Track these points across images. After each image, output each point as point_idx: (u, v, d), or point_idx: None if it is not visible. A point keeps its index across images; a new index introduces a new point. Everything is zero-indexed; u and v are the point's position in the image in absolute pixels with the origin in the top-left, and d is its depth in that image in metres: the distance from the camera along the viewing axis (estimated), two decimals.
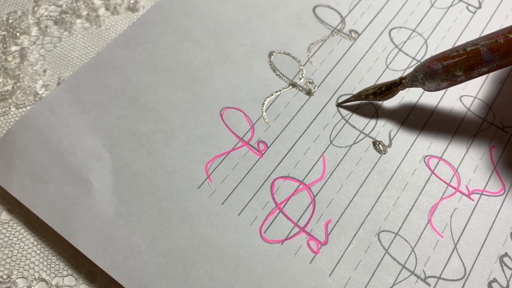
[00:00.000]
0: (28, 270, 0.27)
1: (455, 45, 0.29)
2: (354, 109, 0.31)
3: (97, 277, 0.27)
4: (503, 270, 0.26)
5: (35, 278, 0.26)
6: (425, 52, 0.34)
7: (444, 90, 0.32)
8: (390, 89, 0.30)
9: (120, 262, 0.26)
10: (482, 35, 0.28)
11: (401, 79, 0.30)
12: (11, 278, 0.26)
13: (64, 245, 0.27)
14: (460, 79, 0.28)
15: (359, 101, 0.32)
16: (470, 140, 0.30)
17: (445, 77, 0.28)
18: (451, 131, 0.31)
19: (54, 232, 0.27)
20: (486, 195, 0.29)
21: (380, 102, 0.32)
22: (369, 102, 0.32)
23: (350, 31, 0.35)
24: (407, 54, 0.34)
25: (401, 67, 0.33)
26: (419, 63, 0.30)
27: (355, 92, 0.32)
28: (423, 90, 0.31)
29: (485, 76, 0.33)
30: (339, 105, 0.31)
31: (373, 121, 0.31)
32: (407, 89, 0.32)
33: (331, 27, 0.35)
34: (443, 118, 0.31)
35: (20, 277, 0.26)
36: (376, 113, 0.31)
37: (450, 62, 0.27)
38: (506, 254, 0.27)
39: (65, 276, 0.27)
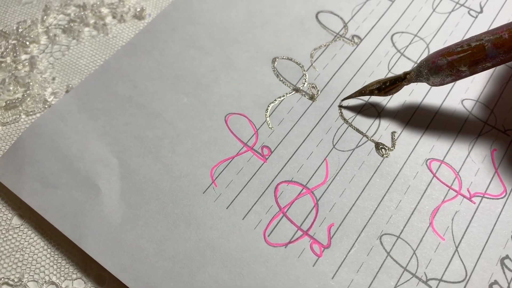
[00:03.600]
0: (38, 274, 0.27)
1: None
2: (357, 113, 0.32)
3: (106, 280, 0.27)
4: (504, 273, 0.26)
5: (45, 282, 0.27)
6: None
7: (446, 93, 0.33)
8: (394, 84, 0.30)
9: (128, 265, 0.26)
10: (486, 31, 0.28)
11: (405, 74, 0.30)
12: (22, 281, 0.27)
13: (73, 249, 0.28)
14: (465, 74, 0.28)
15: (362, 97, 0.32)
16: (472, 143, 0.31)
17: (449, 72, 0.28)
18: (453, 134, 0.31)
19: (64, 236, 0.27)
20: (488, 198, 0.29)
21: (384, 97, 0.32)
22: (371, 106, 0.32)
23: (353, 36, 0.35)
24: (409, 59, 0.34)
25: (403, 71, 0.34)
26: (423, 58, 0.30)
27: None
28: (427, 87, 0.31)
29: (486, 79, 0.33)
30: (344, 99, 0.32)
31: (375, 125, 0.31)
32: (411, 85, 0.32)
33: (334, 32, 0.36)
34: (445, 122, 0.31)
35: (31, 280, 0.27)
36: (379, 116, 0.32)
37: (454, 57, 0.28)
38: (507, 257, 0.27)
39: (74, 279, 0.27)
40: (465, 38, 0.28)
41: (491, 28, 0.33)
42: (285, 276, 0.26)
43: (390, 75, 0.33)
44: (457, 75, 0.28)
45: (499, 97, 0.33)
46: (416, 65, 0.30)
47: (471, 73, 0.28)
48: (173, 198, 0.28)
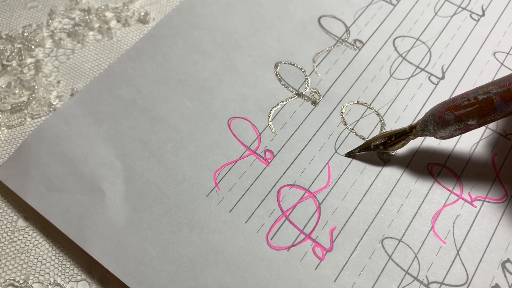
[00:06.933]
0: (43, 275, 0.27)
1: (465, 91, 0.27)
2: (359, 119, 0.32)
3: (110, 282, 0.27)
4: (505, 276, 0.27)
5: (50, 283, 0.27)
6: (429, 60, 0.35)
7: (447, 97, 0.33)
8: (399, 138, 0.29)
9: (132, 268, 0.27)
10: (492, 80, 0.27)
11: (411, 127, 0.29)
12: (28, 283, 0.27)
13: (78, 251, 0.28)
14: (473, 127, 0.27)
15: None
16: (473, 147, 0.31)
17: (457, 126, 0.27)
18: (454, 138, 0.31)
19: (68, 239, 0.28)
20: (489, 202, 0.29)
21: (385, 103, 0.32)
22: (373, 112, 0.32)
23: (355, 40, 0.36)
24: (411, 63, 0.35)
25: (405, 75, 0.34)
26: (428, 112, 0.28)
27: (360, 100, 0.33)
28: (430, 88, 0.31)
29: None
30: (347, 155, 0.31)
31: (376, 130, 0.31)
32: (412, 87, 0.32)
33: (336, 37, 0.36)
34: None
35: (36, 282, 0.27)
36: (380, 122, 0.32)
37: (462, 111, 0.27)
38: (508, 260, 0.27)
39: (79, 281, 0.27)
40: (470, 89, 0.27)
41: (490, 40, 0.33)
42: (287, 279, 0.26)
43: (391, 79, 0.34)
44: (465, 129, 0.27)
45: None
46: (421, 118, 0.29)
47: (480, 125, 0.27)
48: (177, 201, 0.29)
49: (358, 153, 0.30)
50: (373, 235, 0.28)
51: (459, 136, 0.31)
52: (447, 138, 0.28)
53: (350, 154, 0.31)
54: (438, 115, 0.27)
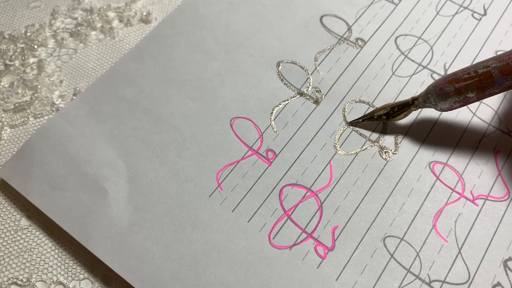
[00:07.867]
0: (46, 274, 0.28)
1: (465, 66, 0.29)
2: (361, 116, 0.32)
3: (113, 280, 0.27)
4: (507, 274, 0.27)
5: (53, 282, 0.27)
6: (431, 58, 0.35)
7: None
8: (402, 109, 0.30)
9: (135, 267, 0.27)
10: (492, 56, 0.28)
11: (413, 99, 0.30)
12: (31, 281, 0.27)
13: (81, 250, 0.28)
14: (472, 99, 0.28)
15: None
16: (475, 145, 0.31)
17: (457, 98, 0.28)
18: (457, 136, 0.31)
19: (71, 238, 0.28)
20: (491, 200, 0.29)
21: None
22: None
23: (357, 39, 0.36)
24: (413, 61, 0.35)
25: (407, 73, 0.34)
26: (430, 84, 0.30)
27: (362, 98, 0.33)
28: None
29: None
30: (350, 123, 0.32)
31: (378, 129, 0.32)
32: (414, 87, 0.33)
33: (338, 35, 0.36)
34: (448, 124, 0.32)
35: (39, 281, 0.27)
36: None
37: (462, 84, 0.28)
38: (510, 259, 0.27)
39: (81, 280, 0.27)
40: (471, 64, 0.28)
41: (492, 39, 0.34)
42: (289, 278, 0.26)
43: (394, 77, 0.34)
44: (465, 101, 0.28)
45: (503, 99, 0.33)
46: (423, 90, 0.30)
47: (479, 99, 0.28)
48: (180, 201, 0.29)
49: (361, 122, 0.32)
50: (375, 233, 0.28)
51: (461, 134, 0.31)
52: (447, 110, 0.29)
53: (353, 123, 0.32)
54: (439, 87, 0.29)
